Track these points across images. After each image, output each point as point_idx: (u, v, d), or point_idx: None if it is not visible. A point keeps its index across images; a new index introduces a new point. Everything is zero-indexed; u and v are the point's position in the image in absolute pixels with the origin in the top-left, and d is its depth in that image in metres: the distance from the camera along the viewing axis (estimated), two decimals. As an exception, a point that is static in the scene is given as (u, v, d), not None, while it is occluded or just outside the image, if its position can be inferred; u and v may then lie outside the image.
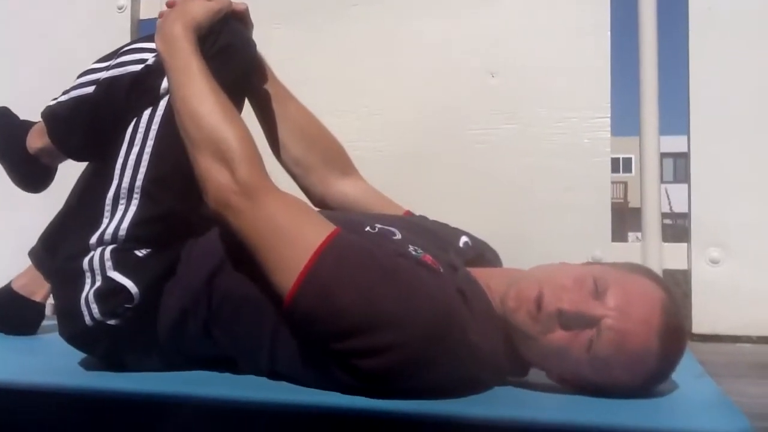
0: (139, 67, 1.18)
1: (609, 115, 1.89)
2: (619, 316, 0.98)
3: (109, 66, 1.21)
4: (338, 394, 1.00)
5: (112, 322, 1.11)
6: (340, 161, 1.43)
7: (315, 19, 2.09)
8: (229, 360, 1.15)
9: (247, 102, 1.34)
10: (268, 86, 1.38)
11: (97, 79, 1.21)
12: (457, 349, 0.98)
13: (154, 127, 1.16)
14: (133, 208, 1.14)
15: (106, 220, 1.15)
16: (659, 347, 0.98)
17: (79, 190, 1.30)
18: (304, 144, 1.39)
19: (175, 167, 1.14)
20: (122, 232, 1.13)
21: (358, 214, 1.33)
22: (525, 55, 1.95)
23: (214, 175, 1.05)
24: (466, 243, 1.24)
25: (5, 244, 2.06)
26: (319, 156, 1.40)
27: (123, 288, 1.11)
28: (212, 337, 1.13)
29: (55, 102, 1.27)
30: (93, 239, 1.14)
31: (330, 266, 0.98)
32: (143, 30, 2.40)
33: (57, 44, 2.37)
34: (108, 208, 1.15)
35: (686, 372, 1.08)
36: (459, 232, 1.28)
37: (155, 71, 1.17)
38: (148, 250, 1.14)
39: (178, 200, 1.15)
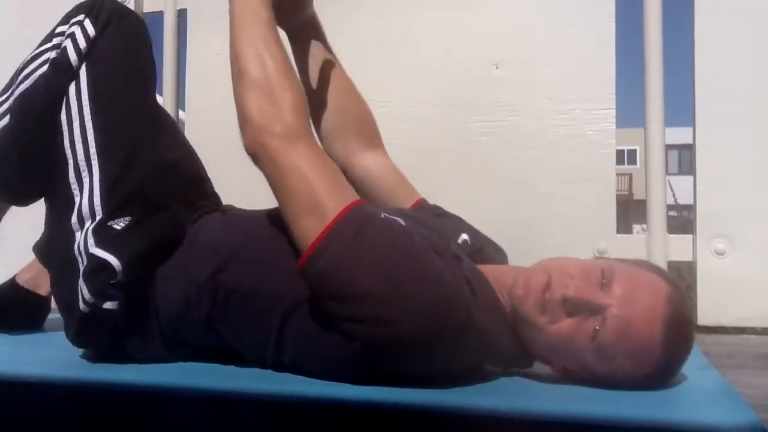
0: (45, 68, 1.22)
1: (614, 107, 1.88)
2: (624, 304, 0.98)
3: (12, 90, 1.24)
4: (343, 384, 1.00)
5: (107, 305, 1.12)
6: (368, 133, 1.44)
7: (318, 12, 2.08)
8: (233, 351, 1.15)
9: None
10: (317, 46, 1.41)
11: (8, 108, 1.24)
12: (463, 331, 0.99)
13: (84, 96, 1.18)
14: (96, 175, 1.16)
15: (77, 197, 1.16)
16: (664, 337, 0.98)
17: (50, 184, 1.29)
18: (340, 111, 1.40)
19: (123, 127, 1.19)
20: (96, 200, 1.15)
21: None
22: (529, 47, 1.94)
23: (260, 115, 1.06)
24: (464, 241, 1.24)
25: (14, 242, 2.07)
26: (350, 124, 1.41)
27: (106, 263, 1.11)
28: (216, 330, 1.13)
29: None
30: (73, 219, 1.15)
31: (352, 231, 0.99)
32: (148, 24, 2.39)
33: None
34: (75, 185, 1.17)
35: (691, 364, 1.07)
36: (460, 229, 1.28)
37: (62, 59, 1.20)
38: (127, 221, 1.14)
39: (135, 155, 1.18)
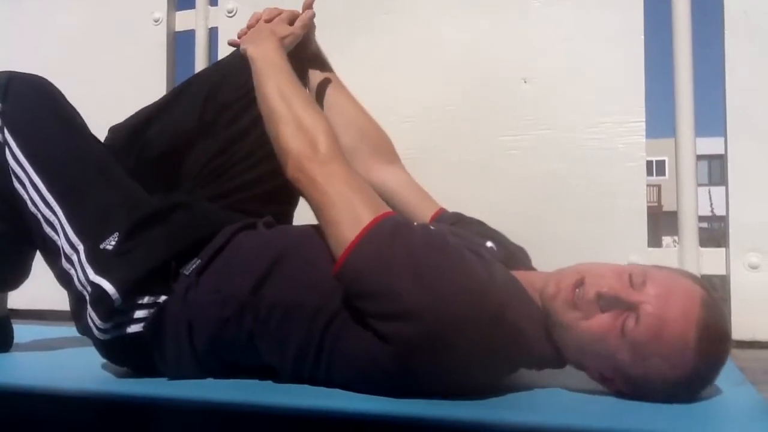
0: None
1: (644, 119, 1.87)
2: (658, 302, 0.99)
3: None
4: (377, 397, 1.01)
5: (131, 329, 1.15)
6: (384, 151, 1.54)
7: (346, 28, 2.11)
8: (268, 368, 1.16)
9: None
10: (324, 75, 1.54)
11: None
12: (495, 324, 1.00)
13: (22, 159, 1.25)
14: (61, 215, 1.22)
15: (59, 242, 1.22)
16: (699, 339, 0.97)
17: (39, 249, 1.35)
18: (352, 132, 1.50)
19: (61, 164, 1.26)
20: (71, 235, 1.20)
21: None
22: (558, 61, 1.94)
23: (296, 144, 1.15)
24: (491, 247, 1.25)
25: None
26: (366, 145, 1.51)
27: (104, 292, 1.14)
28: (256, 347, 1.15)
29: None
30: (63, 262, 1.21)
31: (388, 231, 1.04)
32: (179, 43, 2.44)
33: (92, 58, 2.43)
34: (52, 233, 1.22)
35: (726, 379, 1.06)
36: (485, 236, 1.29)
37: None
38: (116, 238, 1.18)
39: (87, 181, 1.25)
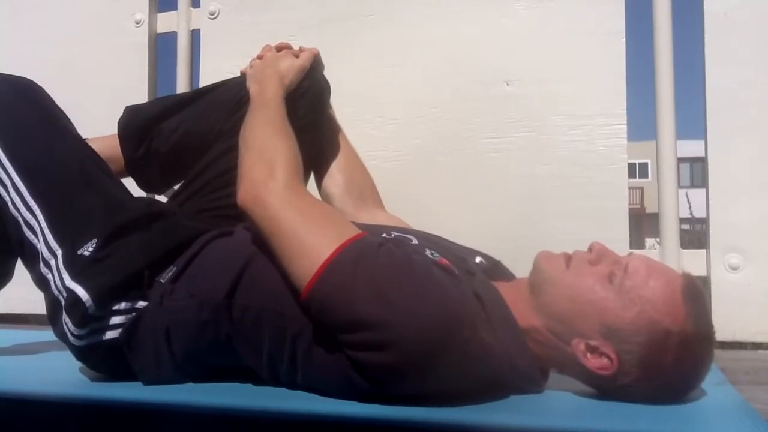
0: None
1: (625, 122, 1.88)
2: (643, 262, 1.04)
3: None
4: (355, 402, 1.01)
5: (108, 336, 1.14)
6: (370, 196, 1.54)
7: (329, 29, 2.11)
8: (249, 370, 1.15)
9: None
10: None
11: None
12: (469, 348, 0.98)
13: (5, 161, 1.24)
14: (41, 218, 1.21)
15: (37, 245, 1.21)
16: (684, 291, 1.01)
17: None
18: (344, 176, 1.52)
19: (43, 167, 1.25)
20: (50, 239, 1.19)
21: (376, 225, 1.34)
22: (540, 63, 1.95)
23: (254, 172, 1.13)
24: (480, 262, 1.24)
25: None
26: (355, 189, 1.52)
27: (78, 299, 1.13)
28: (234, 349, 1.14)
29: None
30: (41, 266, 1.20)
31: (351, 259, 1.00)
32: (161, 45, 2.43)
33: (73, 59, 2.41)
34: (31, 237, 1.21)
35: (707, 380, 1.07)
36: (474, 252, 1.28)
37: None
38: (93, 244, 1.17)
39: (68, 185, 1.24)
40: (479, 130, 1.97)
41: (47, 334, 1.72)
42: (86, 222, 1.20)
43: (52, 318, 1.20)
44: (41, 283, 1.21)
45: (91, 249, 1.17)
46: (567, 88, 1.92)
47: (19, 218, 1.22)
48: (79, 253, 1.17)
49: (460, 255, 1.19)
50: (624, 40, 1.90)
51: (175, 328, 1.15)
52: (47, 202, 1.22)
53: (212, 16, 2.28)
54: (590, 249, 1.09)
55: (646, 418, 0.96)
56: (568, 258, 1.09)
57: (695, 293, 1.03)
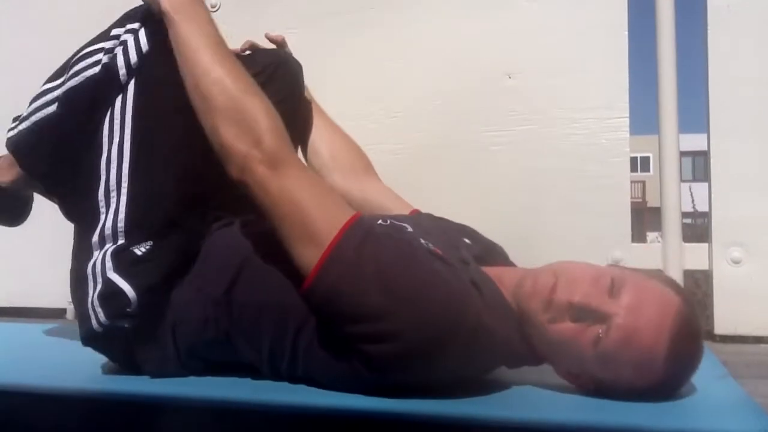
0: (96, 69, 1.17)
1: (627, 115, 1.88)
2: (630, 314, 0.97)
3: (63, 81, 1.20)
4: (359, 395, 1.01)
5: (121, 324, 1.12)
6: (354, 163, 1.53)
7: (330, 23, 2.10)
8: (249, 365, 1.15)
9: None
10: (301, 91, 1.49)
11: (56, 97, 1.20)
12: (475, 336, 0.99)
13: (128, 116, 1.16)
14: (124, 199, 1.14)
15: (102, 216, 1.15)
16: (669, 350, 0.96)
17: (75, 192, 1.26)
18: (319, 148, 1.51)
19: (158, 152, 1.16)
20: (120, 224, 1.14)
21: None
22: (542, 56, 1.94)
23: (238, 143, 1.05)
24: (467, 244, 1.23)
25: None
26: (333, 160, 1.51)
27: (121, 291, 1.11)
28: (234, 344, 1.14)
29: (15, 132, 1.24)
30: (95, 238, 1.15)
31: (353, 250, 0.99)
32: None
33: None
34: (102, 204, 1.15)
35: (708, 373, 1.07)
36: (461, 233, 1.27)
37: (112, 66, 1.17)
38: (148, 246, 1.14)
39: (169, 186, 1.16)
40: (480, 123, 1.97)
41: (50, 328, 1.73)
42: (156, 225, 1.15)
43: (75, 292, 1.17)
44: (82, 252, 1.16)
45: (144, 250, 1.14)
46: (569, 82, 1.91)
47: (103, 177, 1.15)
48: (131, 248, 1.13)
49: (452, 241, 1.19)
50: (627, 33, 1.90)
51: (180, 324, 1.15)
52: (142, 189, 1.15)
53: (213, 9, 2.27)
54: (571, 304, 0.99)
55: (647, 412, 0.95)
56: (548, 302, 1.01)
57: (682, 351, 0.98)
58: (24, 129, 1.22)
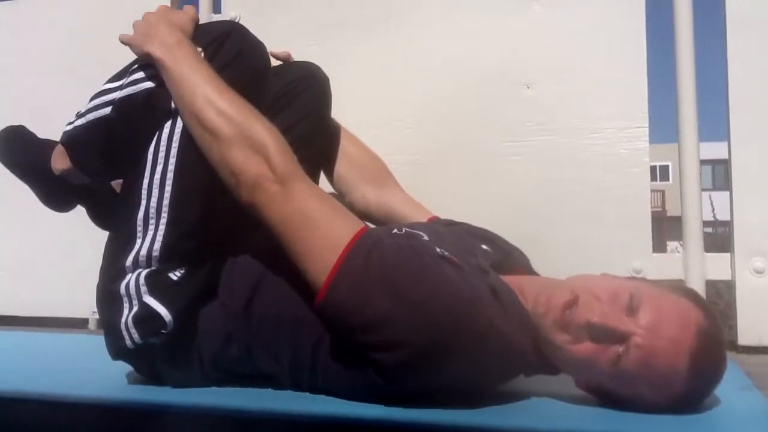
0: (152, 83, 1.19)
1: (647, 125, 1.87)
2: (649, 334, 0.96)
3: (122, 85, 1.21)
4: (376, 405, 1.01)
5: (153, 342, 1.14)
6: (378, 174, 1.56)
7: (348, 34, 2.11)
8: (270, 377, 1.16)
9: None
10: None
11: (112, 100, 1.21)
12: (485, 339, 0.99)
13: (175, 144, 1.17)
14: (162, 228, 1.15)
15: (139, 241, 1.16)
16: (689, 367, 0.95)
17: (114, 211, 1.29)
18: (345, 161, 1.52)
19: (198, 183, 1.16)
20: (155, 252, 1.15)
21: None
22: (560, 66, 1.94)
23: (249, 166, 1.08)
24: (485, 251, 1.23)
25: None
26: (359, 172, 1.53)
27: (157, 315, 1.12)
28: (255, 357, 1.15)
29: (72, 126, 1.26)
30: (128, 261, 1.16)
31: (361, 261, 1.01)
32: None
33: (97, 59, 2.41)
34: (140, 228, 1.16)
35: (732, 384, 1.06)
36: (480, 240, 1.27)
37: (163, 92, 1.18)
38: (182, 271, 1.15)
39: (205, 216, 1.17)
40: (499, 134, 1.97)
41: (65, 337, 1.74)
42: (192, 254, 1.16)
43: (104, 308, 1.18)
44: (113, 270, 1.17)
45: (179, 275, 1.15)
46: (588, 91, 1.91)
47: (143, 201, 1.16)
48: (166, 274, 1.15)
49: (470, 249, 1.19)
50: (645, 42, 1.89)
51: (204, 339, 1.16)
52: (181, 220, 1.15)
53: (234, 19, 2.30)
54: (590, 324, 0.99)
55: (669, 423, 0.95)
56: (566, 321, 1.01)
57: (702, 368, 0.97)
58: (79, 125, 1.24)
